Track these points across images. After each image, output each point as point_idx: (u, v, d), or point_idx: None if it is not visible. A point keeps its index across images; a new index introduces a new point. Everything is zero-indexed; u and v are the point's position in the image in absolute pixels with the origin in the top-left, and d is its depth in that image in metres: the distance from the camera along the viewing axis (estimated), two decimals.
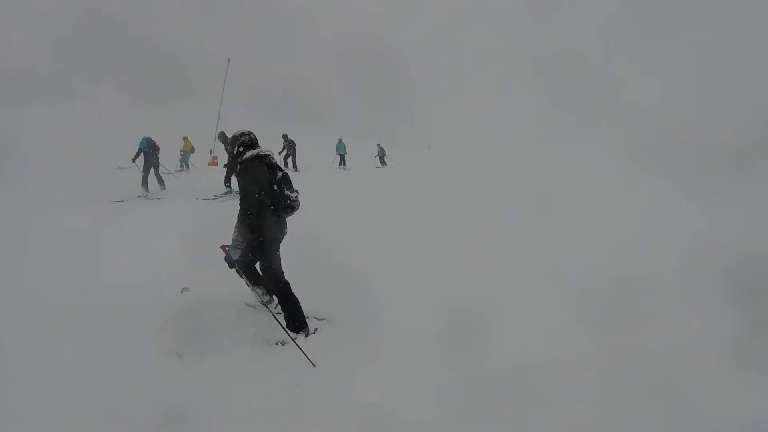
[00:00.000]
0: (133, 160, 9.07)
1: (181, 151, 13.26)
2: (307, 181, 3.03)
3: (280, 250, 3.07)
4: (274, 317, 2.88)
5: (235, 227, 2.86)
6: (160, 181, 9.31)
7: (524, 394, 2.35)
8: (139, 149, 8.96)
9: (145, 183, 8.99)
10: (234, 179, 8.51)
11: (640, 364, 2.63)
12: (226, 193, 8.57)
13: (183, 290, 3.58)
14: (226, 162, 8.76)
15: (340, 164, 16.49)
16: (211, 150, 15.26)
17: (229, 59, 9.97)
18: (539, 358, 2.69)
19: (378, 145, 18.70)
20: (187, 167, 13.16)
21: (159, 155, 9.22)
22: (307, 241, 3.47)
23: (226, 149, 8.63)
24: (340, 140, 16.57)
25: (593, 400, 2.34)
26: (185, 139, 13.35)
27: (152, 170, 9.14)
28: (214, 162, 14.46)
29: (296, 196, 3.02)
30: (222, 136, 8.97)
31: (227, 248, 2.86)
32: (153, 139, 9.16)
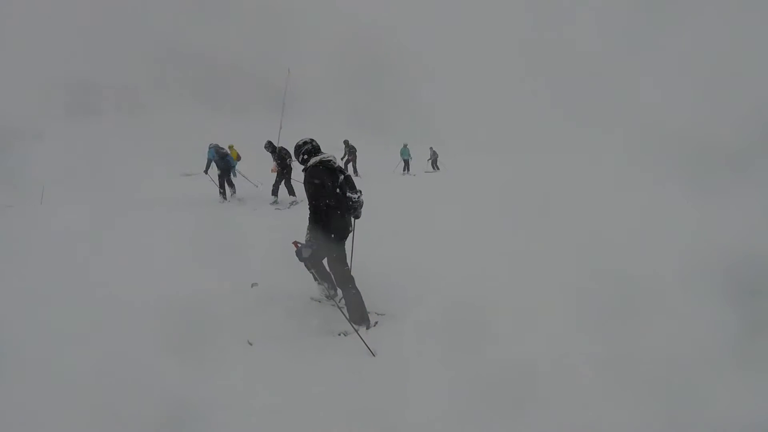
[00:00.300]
0: (206, 172, 9.08)
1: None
2: (364, 185, 3.22)
3: (345, 247, 3.26)
4: (339, 309, 3.10)
5: (308, 228, 3.14)
6: (230, 184, 9.28)
7: (524, 394, 2.35)
8: (208, 159, 8.94)
9: (223, 192, 9.02)
10: (282, 188, 8.41)
11: (640, 364, 2.63)
12: (274, 203, 8.47)
13: (253, 285, 3.86)
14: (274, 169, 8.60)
15: (404, 170, 16.15)
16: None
17: (289, 70, 9.79)
18: (539, 358, 2.69)
19: (431, 148, 18.01)
20: (234, 175, 13.25)
21: (230, 161, 9.17)
22: (364, 241, 3.61)
23: (274, 159, 8.45)
24: (405, 145, 16.28)
25: (593, 400, 2.34)
26: (231, 147, 13.52)
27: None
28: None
29: (358, 197, 3.23)
30: (269, 146, 8.73)
31: (299, 245, 3.07)
32: (220, 146, 9.14)
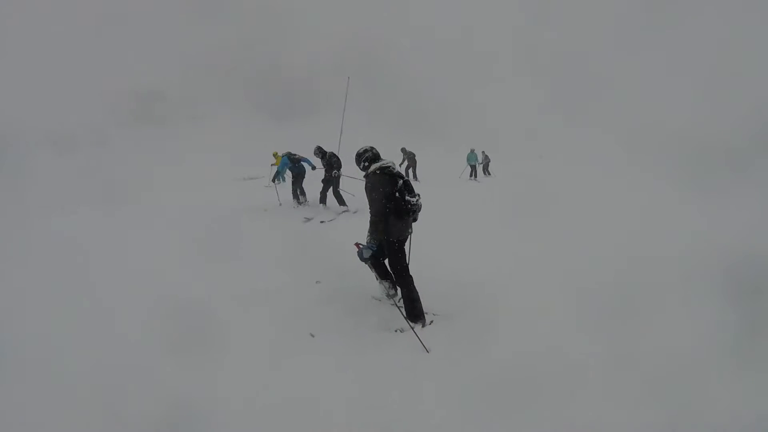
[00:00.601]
0: (273, 180, 9.03)
1: (272, 165, 13.30)
2: (419, 191, 3.39)
3: (405, 249, 3.37)
4: (398, 308, 3.26)
5: (368, 231, 3.28)
6: (302, 192, 8.99)
7: (524, 393, 2.35)
8: (277, 171, 8.85)
9: (295, 196, 8.86)
10: (330, 195, 8.15)
11: (640, 364, 2.63)
12: (326, 210, 8.19)
13: (317, 282, 4.13)
14: (323, 177, 8.35)
15: (471, 175, 15.75)
16: None
17: (348, 78, 9.71)
18: (539, 358, 2.70)
19: (483, 152, 17.11)
20: (283, 180, 13.12)
21: (303, 165, 8.85)
22: (422, 243, 3.70)
23: (323, 164, 8.21)
24: (472, 150, 15.90)
25: (593, 400, 2.34)
26: (275, 155, 13.51)
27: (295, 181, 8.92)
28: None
29: (417, 200, 3.35)
30: (319, 151, 8.42)
31: (361, 246, 3.27)
32: (292, 152, 8.88)
